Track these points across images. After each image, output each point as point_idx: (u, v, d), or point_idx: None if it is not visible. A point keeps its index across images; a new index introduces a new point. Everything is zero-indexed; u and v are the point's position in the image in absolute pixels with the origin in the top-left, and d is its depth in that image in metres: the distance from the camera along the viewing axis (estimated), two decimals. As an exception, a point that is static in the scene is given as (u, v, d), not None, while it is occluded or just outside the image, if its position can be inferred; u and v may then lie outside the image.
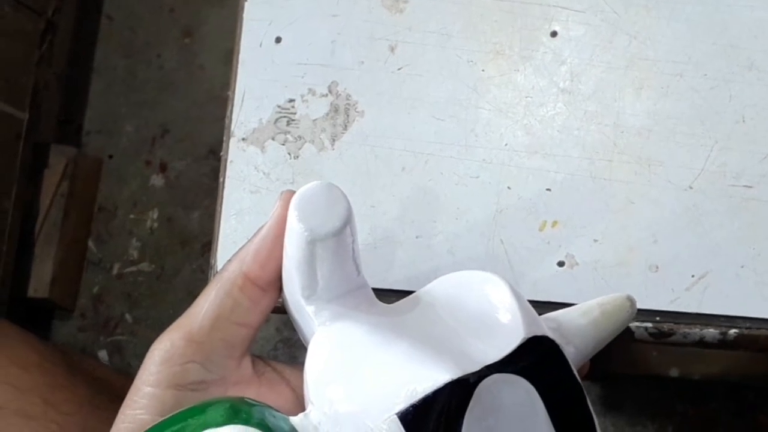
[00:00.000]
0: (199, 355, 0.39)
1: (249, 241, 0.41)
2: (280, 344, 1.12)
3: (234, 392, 0.40)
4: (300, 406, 0.39)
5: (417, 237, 0.51)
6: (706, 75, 0.50)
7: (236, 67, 0.55)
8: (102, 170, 1.18)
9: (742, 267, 0.49)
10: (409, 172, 0.52)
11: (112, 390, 0.78)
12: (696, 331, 0.49)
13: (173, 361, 0.39)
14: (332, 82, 0.54)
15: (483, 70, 0.53)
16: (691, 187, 0.50)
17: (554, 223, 0.50)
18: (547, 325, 0.40)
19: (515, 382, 0.36)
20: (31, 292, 1.11)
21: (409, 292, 0.42)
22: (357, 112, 0.53)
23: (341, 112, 0.54)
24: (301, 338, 0.41)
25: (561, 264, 0.50)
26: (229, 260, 0.41)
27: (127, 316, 1.17)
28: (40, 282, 1.11)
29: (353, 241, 0.39)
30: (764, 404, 0.98)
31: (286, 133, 0.54)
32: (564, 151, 0.51)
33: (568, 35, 0.52)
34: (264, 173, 0.54)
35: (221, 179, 0.55)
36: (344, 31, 0.54)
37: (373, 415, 0.35)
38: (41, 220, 1.10)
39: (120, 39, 1.21)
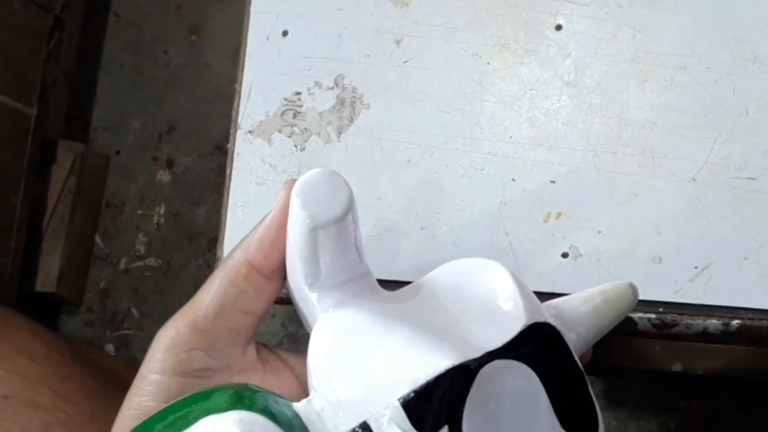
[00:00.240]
0: (203, 343, 0.39)
1: (253, 229, 0.41)
2: (285, 339, 1.13)
3: (239, 379, 0.40)
4: (303, 393, 0.40)
5: (422, 229, 0.52)
6: (709, 68, 0.51)
7: (243, 61, 0.56)
8: (109, 166, 1.19)
9: (745, 258, 0.49)
10: (415, 164, 0.53)
11: (120, 380, 0.78)
12: (699, 322, 0.49)
13: (178, 349, 0.39)
14: (338, 75, 0.54)
15: (488, 64, 0.53)
16: (694, 180, 0.50)
17: (558, 215, 0.51)
18: (549, 312, 0.40)
19: (516, 368, 0.37)
20: (39, 287, 1.11)
21: None
22: (363, 104, 0.54)
23: (347, 105, 0.54)
24: (305, 326, 0.42)
25: (565, 255, 0.50)
26: (234, 249, 0.41)
27: (134, 311, 1.17)
28: (47, 277, 1.11)
29: (355, 229, 0.39)
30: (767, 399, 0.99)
31: (293, 125, 0.55)
32: (568, 143, 0.51)
33: (573, 29, 0.52)
34: (270, 165, 0.54)
35: (228, 171, 0.55)
36: (350, 24, 0.54)
37: (375, 401, 0.35)
38: (49, 215, 1.10)
39: (127, 36, 1.21)
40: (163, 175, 1.18)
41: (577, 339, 0.41)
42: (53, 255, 1.10)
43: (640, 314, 0.49)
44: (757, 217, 0.49)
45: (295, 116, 0.55)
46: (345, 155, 0.53)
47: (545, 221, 0.51)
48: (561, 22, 0.53)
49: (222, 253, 0.54)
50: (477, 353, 0.36)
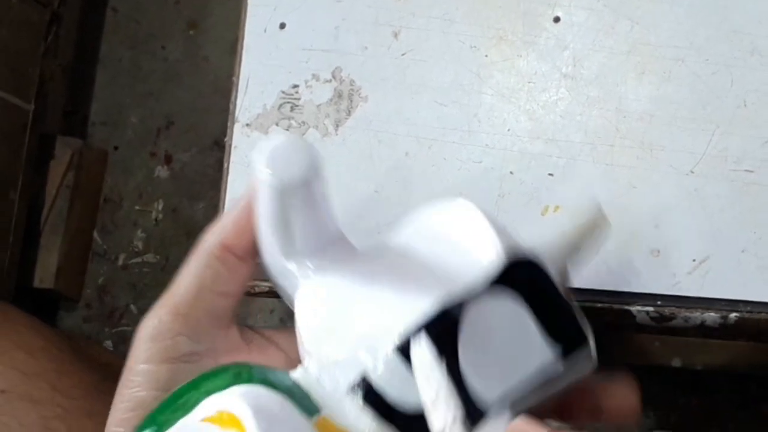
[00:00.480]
0: (186, 328, 0.40)
1: (226, 212, 0.41)
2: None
3: (225, 361, 0.40)
4: (292, 366, 0.40)
5: (420, 221, 0.52)
6: (707, 60, 0.51)
7: (240, 53, 0.56)
8: (107, 161, 1.19)
9: (743, 251, 0.49)
10: (413, 157, 0.53)
11: (118, 375, 0.78)
12: (697, 315, 0.49)
13: (162, 336, 0.39)
14: (336, 68, 0.54)
15: (486, 56, 0.53)
16: (692, 172, 0.50)
17: (556, 208, 0.51)
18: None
19: (502, 299, 0.37)
20: (37, 283, 1.11)
21: None
22: (361, 97, 0.54)
23: (345, 98, 0.54)
24: (288, 303, 0.41)
25: (563, 248, 0.50)
26: (207, 232, 0.41)
27: (132, 307, 1.17)
28: (45, 272, 1.11)
29: (324, 192, 0.39)
30: (767, 395, 0.98)
31: (290, 118, 0.54)
32: (566, 136, 0.51)
33: (571, 20, 0.52)
34: (268, 158, 0.54)
35: (225, 165, 0.55)
36: (348, 16, 0.54)
37: (369, 354, 0.36)
38: (47, 211, 1.10)
39: (125, 31, 1.21)
40: (162, 171, 1.18)
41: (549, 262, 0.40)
42: (51, 251, 1.10)
43: (639, 307, 0.49)
44: (755, 210, 0.49)
45: (292, 109, 0.54)
46: (342, 148, 0.53)
47: (543, 214, 0.51)
48: (559, 14, 0.53)
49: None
50: (462, 292, 0.36)
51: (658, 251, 0.49)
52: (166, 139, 1.18)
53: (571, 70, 0.52)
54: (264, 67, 0.55)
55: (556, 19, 0.52)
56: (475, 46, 0.53)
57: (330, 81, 0.54)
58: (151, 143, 1.19)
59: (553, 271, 0.39)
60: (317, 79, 0.54)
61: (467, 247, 0.39)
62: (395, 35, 0.54)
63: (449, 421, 0.33)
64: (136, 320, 1.16)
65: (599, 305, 0.50)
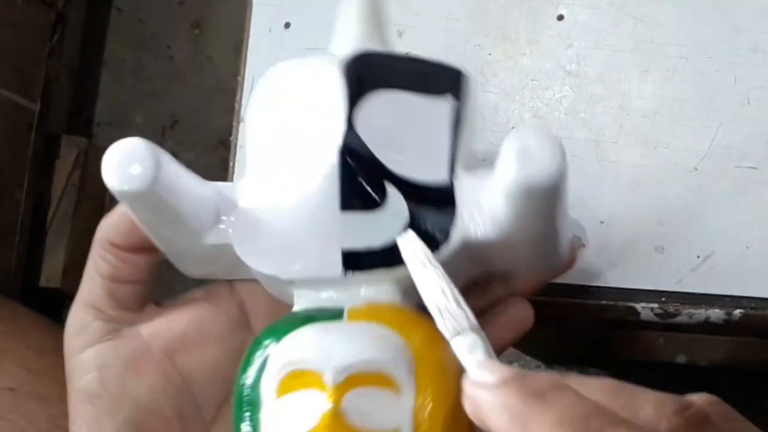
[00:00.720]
0: (98, 315, 0.41)
1: (117, 207, 0.41)
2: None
3: (145, 331, 0.41)
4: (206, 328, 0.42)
5: (425, 219, 0.52)
6: (711, 57, 0.51)
7: (245, 53, 0.56)
8: (112, 161, 1.19)
9: (747, 248, 0.49)
10: (417, 155, 0.53)
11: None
12: (701, 312, 0.49)
13: (79, 329, 0.41)
14: (341, 67, 0.54)
15: (490, 54, 0.53)
16: (696, 169, 0.50)
17: (561, 205, 0.51)
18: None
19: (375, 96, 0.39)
20: (43, 282, 1.11)
21: None
22: (365, 96, 0.54)
23: (350, 97, 0.54)
24: (245, 274, 0.41)
25: (567, 245, 0.50)
26: (99, 225, 0.41)
27: (138, 306, 1.17)
28: (52, 272, 1.11)
29: (177, 173, 0.37)
30: (771, 391, 0.99)
31: (296, 117, 0.55)
32: (570, 133, 0.51)
33: (575, 19, 0.52)
34: (274, 157, 0.54)
35: (231, 163, 0.55)
36: (352, 16, 0.54)
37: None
38: (53, 210, 1.11)
39: (129, 31, 1.22)
40: (167, 170, 1.19)
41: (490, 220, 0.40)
42: (57, 250, 1.11)
43: (643, 304, 0.49)
44: (759, 206, 0.49)
45: (297, 108, 0.55)
46: (347, 147, 0.54)
47: (548, 211, 0.51)
48: (563, 12, 0.53)
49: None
50: (341, 129, 0.38)
51: (663, 248, 0.50)
52: (171, 138, 1.19)
53: (574, 68, 0.52)
54: (269, 66, 0.55)
55: (560, 17, 0.53)
56: (478, 45, 0.53)
57: (335, 80, 0.54)
58: (156, 142, 1.19)
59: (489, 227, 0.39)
60: (322, 79, 0.55)
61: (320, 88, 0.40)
62: (399, 34, 0.54)
63: (460, 328, 0.33)
64: (141, 319, 1.16)
65: (604, 302, 0.50)
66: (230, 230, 0.39)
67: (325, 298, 0.39)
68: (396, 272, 0.38)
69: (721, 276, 0.49)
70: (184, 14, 1.21)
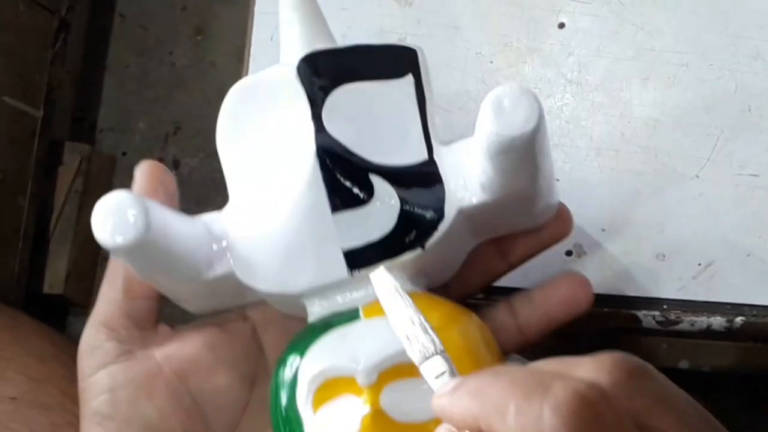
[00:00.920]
0: (112, 334, 0.41)
1: None
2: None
3: (158, 354, 0.41)
4: (216, 350, 0.41)
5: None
6: (712, 65, 0.51)
7: (247, 62, 0.56)
8: (116, 167, 1.19)
9: (749, 255, 0.49)
10: (419, 163, 0.53)
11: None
12: (703, 319, 0.49)
13: (93, 349, 0.41)
14: (342, 75, 0.55)
15: (491, 62, 0.53)
16: (697, 176, 0.50)
17: (562, 213, 0.51)
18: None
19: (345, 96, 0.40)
20: (46, 289, 1.11)
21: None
22: (367, 104, 0.54)
23: (351, 105, 0.54)
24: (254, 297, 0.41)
25: (569, 253, 0.50)
26: None
27: (141, 312, 1.17)
28: (55, 278, 1.11)
29: (165, 217, 0.37)
30: (775, 396, 0.98)
31: (297, 125, 0.55)
32: (571, 141, 0.51)
33: (576, 26, 0.53)
34: (275, 165, 0.54)
35: (233, 171, 0.55)
36: (354, 24, 0.55)
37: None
38: (56, 217, 1.11)
39: (132, 37, 1.22)
40: (170, 176, 1.19)
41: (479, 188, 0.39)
42: (60, 256, 1.11)
43: (645, 312, 0.50)
44: (760, 214, 0.49)
45: (299, 116, 0.55)
46: (349, 155, 0.54)
47: (549, 219, 0.51)
48: (564, 20, 0.53)
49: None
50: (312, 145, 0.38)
51: (664, 255, 0.50)
52: (173, 144, 1.19)
53: (576, 76, 0.52)
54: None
55: (561, 25, 0.53)
56: (480, 53, 0.53)
57: (336, 88, 0.55)
58: (158, 149, 1.19)
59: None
60: (323, 87, 0.55)
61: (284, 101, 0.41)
62: (401, 42, 0.54)
63: (427, 353, 0.33)
64: (145, 325, 1.16)
65: (605, 310, 0.50)
66: (229, 259, 0.39)
67: (338, 302, 0.39)
68: (401, 260, 0.38)
69: (722, 283, 0.49)
70: (187, 20, 1.21)
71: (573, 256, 0.50)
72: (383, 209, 0.38)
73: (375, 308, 0.37)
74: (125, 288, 0.41)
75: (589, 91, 0.52)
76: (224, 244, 0.39)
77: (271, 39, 0.56)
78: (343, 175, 0.38)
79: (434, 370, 0.33)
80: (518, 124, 0.34)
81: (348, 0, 0.55)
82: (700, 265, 0.49)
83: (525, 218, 0.41)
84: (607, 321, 0.50)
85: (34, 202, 1.07)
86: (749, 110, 0.50)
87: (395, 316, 0.34)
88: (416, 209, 0.38)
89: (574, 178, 0.51)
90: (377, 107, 0.40)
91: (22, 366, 0.70)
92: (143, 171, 0.42)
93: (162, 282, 0.40)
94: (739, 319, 0.49)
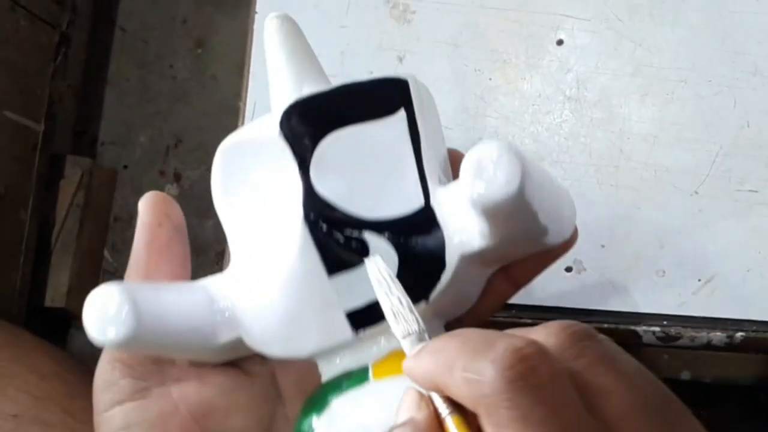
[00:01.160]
0: (127, 371, 0.40)
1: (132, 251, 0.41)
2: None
3: (175, 390, 0.40)
4: (237, 389, 0.41)
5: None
6: (710, 81, 0.51)
7: (247, 78, 0.56)
8: (117, 180, 1.19)
9: (749, 271, 0.49)
10: (419, 180, 0.53)
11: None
12: (703, 335, 0.49)
13: (108, 384, 0.40)
14: (342, 93, 0.55)
15: (490, 79, 0.53)
16: (696, 192, 0.50)
17: (562, 229, 0.51)
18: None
19: (339, 140, 0.38)
20: (48, 302, 1.11)
21: None
22: (366, 121, 0.54)
23: (351, 122, 0.54)
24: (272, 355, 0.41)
25: (569, 269, 0.50)
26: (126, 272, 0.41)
27: (143, 325, 1.17)
28: (56, 292, 1.11)
29: (156, 301, 0.37)
30: (777, 407, 0.98)
31: (297, 142, 0.55)
32: (571, 157, 0.52)
33: (574, 43, 0.53)
34: (275, 183, 0.55)
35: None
36: (353, 41, 0.55)
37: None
38: (57, 230, 1.11)
39: (133, 50, 1.22)
40: (171, 189, 1.19)
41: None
42: (62, 270, 1.11)
43: (645, 327, 0.50)
44: (759, 229, 0.49)
45: (299, 133, 0.55)
46: (349, 172, 0.54)
47: (549, 235, 0.51)
48: (562, 36, 0.53)
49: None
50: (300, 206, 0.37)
51: (664, 271, 0.50)
52: (174, 157, 1.19)
53: (574, 93, 0.52)
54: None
55: (560, 42, 0.53)
56: (479, 70, 0.53)
57: (336, 105, 0.55)
58: (160, 162, 1.19)
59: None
60: (323, 104, 0.55)
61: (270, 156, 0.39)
62: (400, 59, 0.54)
63: (410, 331, 0.33)
64: (146, 338, 1.16)
65: (605, 325, 0.50)
66: (235, 326, 0.38)
67: (348, 360, 0.38)
68: None
69: (722, 299, 0.49)
70: (187, 33, 1.21)
71: (573, 272, 0.50)
72: None
73: (385, 367, 0.37)
74: None
75: (588, 107, 0.52)
76: (227, 314, 0.38)
77: (271, 56, 0.56)
78: (336, 238, 0.37)
79: (413, 344, 0.33)
80: (499, 187, 0.33)
81: (347, 18, 0.55)
82: (699, 280, 0.49)
83: (536, 246, 0.40)
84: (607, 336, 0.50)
85: (35, 215, 1.07)
86: (748, 126, 0.50)
87: (385, 296, 0.34)
88: (416, 262, 0.37)
89: (573, 195, 0.50)
90: (369, 153, 0.38)
91: (24, 383, 0.70)
92: (147, 204, 0.41)
93: (170, 354, 0.40)
94: (739, 335, 0.49)
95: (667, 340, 0.50)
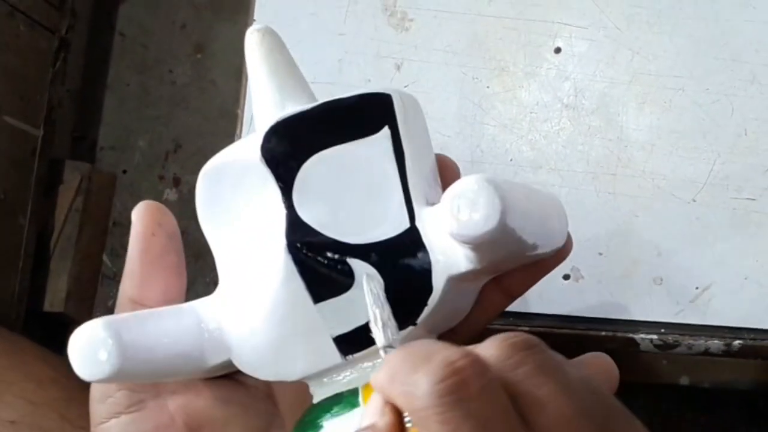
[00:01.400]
0: (123, 383, 0.40)
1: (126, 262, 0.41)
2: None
3: (170, 403, 0.40)
4: (224, 400, 0.41)
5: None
6: (708, 89, 0.51)
7: (245, 86, 0.56)
8: (116, 185, 1.20)
9: (746, 279, 0.49)
10: (416, 187, 0.53)
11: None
12: (701, 343, 0.49)
13: (104, 396, 0.40)
14: (340, 100, 0.55)
15: (488, 87, 0.53)
16: (694, 200, 0.50)
17: (560, 237, 0.51)
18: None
19: (319, 162, 0.37)
20: (47, 307, 1.11)
21: None
22: (364, 129, 0.54)
23: (349, 129, 0.54)
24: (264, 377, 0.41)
25: (566, 277, 0.51)
26: (122, 282, 0.41)
27: (142, 330, 1.17)
28: (55, 297, 1.12)
29: (144, 333, 0.37)
30: (776, 412, 0.98)
31: (295, 150, 0.55)
32: (568, 165, 0.52)
33: (572, 51, 0.53)
34: (273, 190, 0.55)
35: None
36: (351, 49, 0.55)
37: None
38: (56, 235, 1.11)
39: (132, 55, 1.22)
40: (170, 194, 1.19)
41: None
42: (61, 275, 1.11)
43: (642, 335, 0.50)
44: (757, 237, 0.49)
45: (297, 141, 0.55)
46: (347, 179, 0.54)
47: (546, 243, 0.51)
48: (560, 44, 0.53)
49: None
50: (282, 226, 0.37)
51: (661, 279, 0.50)
52: (173, 162, 1.19)
53: (572, 101, 0.52)
54: (269, 99, 0.56)
55: (557, 50, 0.53)
56: (476, 78, 0.53)
57: (334, 113, 0.55)
58: (159, 167, 1.19)
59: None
60: (321, 111, 0.55)
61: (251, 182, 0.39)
62: (398, 67, 0.54)
63: (390, 340, 0.34)
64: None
65: (603, 333, 0.50)
66: (226, 349, 0.38)
67: (339, 382, 0.38)
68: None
69: (719, 307, 0.49)
70: (187, 39, 1.21)
71: (571, 279, 0.50)
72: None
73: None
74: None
75: (586, 115, 0.52)
76: (216, 337, 0.38)
77: (269, 64, 0.56)
78: (320, 266, 0.36)
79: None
80: (477, 225, 0.32)
81: (345, 25, 0.55)
82: (697, 288, 0.49)
83: (529, 258, 0.40)
84: (604, 344, 0.50)
85: (34, 220, 1.07)
86: (745, 134, 0.50)
87: (371, 303, 0.35)
88: (402, 287, 0.36)
89: (570, 202, 0.51)
90: (353, 174, 0.38)
91: (21, 390, 0.70)
92: (139, 214, 0.41)
93: (161, 381, 0.40)
94: (736, 343, 0.49)
95: (664, 347, 0.50)
